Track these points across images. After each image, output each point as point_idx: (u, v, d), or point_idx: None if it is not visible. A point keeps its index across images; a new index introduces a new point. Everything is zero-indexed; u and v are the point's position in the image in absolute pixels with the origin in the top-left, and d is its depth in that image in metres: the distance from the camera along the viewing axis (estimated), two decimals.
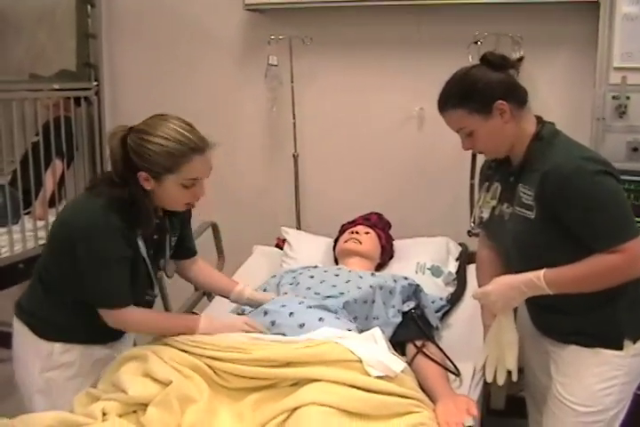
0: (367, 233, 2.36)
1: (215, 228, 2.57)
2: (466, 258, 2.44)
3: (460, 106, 1.55)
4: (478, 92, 1.53)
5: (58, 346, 1.71)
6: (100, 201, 1.60)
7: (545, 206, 1.50)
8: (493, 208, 1.68)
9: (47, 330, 1.71)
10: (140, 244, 1.67)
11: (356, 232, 2.35)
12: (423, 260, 2.39)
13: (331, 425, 1.37)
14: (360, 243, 2.30)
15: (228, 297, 1.97)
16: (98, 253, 1.59)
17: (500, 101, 1.53)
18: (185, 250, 1.92)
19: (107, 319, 1.66)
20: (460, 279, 2.35)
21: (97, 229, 1.57)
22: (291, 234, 2.64)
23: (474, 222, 1.76)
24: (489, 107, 1.53)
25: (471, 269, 2.23)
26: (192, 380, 1.54)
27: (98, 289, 1.62)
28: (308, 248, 2.54)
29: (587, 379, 1.56)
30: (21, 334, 1.74)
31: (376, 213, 2.55)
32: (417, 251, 2.46)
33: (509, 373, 1.64)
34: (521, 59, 1.59)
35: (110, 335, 1.78)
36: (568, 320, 1.60)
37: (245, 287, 1.95)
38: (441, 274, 2.37)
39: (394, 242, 2.51)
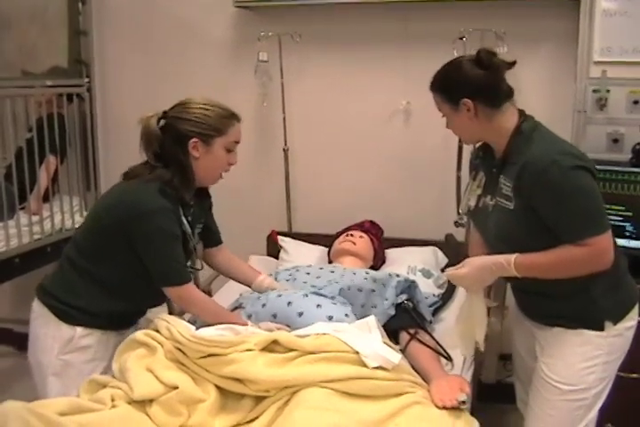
0: (361, 237, 2.51)
1: None
2: (454, 248, 2.50)
3: (437, 91, 1.64)
4: (451, 85, 1.60)
5: (80, 330, 1.76)
6: (152, 186, 1.69)
7: (522, 198, 1.55)
8: (478, 198, 1.73)
9: (71, 314, 1.75)
10: (185, 222, 1.77)
11: (351, 235, 2.51)
12: (414, 263, 2.52)
13: (331, 403, 1.44)
14: (354, 244, 2.45)
15: (249, 286, 2.05)
16: (163, 233, 1.68)
17: (466, 99, 1.57)
18: (212, 238, 2.02)
19: (173, 296, 1.76)
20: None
21: (158, 212, 1.67)
22: (287, 242, 2.75)
23: (461, 211, 1.83)
24: (456, 101, 1.59)
25: None
26: (197, 381, 1.56)
27: (166, 267, 1.71)
28: (304, 254, 2.65)
29: (570, 358, 1.62)
30: (42, 317, 1.78)
31: (369, 221, 2.68)
32: (408, 257, 2.58)
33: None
34: (513, 62, 1.61)
35: (126, 323, 1.84)
36: (551, 304, 1.66)
37: (266, 278, 2.05)
38: (431, 276, 2.48)
39: (385, 250, 2.61)
